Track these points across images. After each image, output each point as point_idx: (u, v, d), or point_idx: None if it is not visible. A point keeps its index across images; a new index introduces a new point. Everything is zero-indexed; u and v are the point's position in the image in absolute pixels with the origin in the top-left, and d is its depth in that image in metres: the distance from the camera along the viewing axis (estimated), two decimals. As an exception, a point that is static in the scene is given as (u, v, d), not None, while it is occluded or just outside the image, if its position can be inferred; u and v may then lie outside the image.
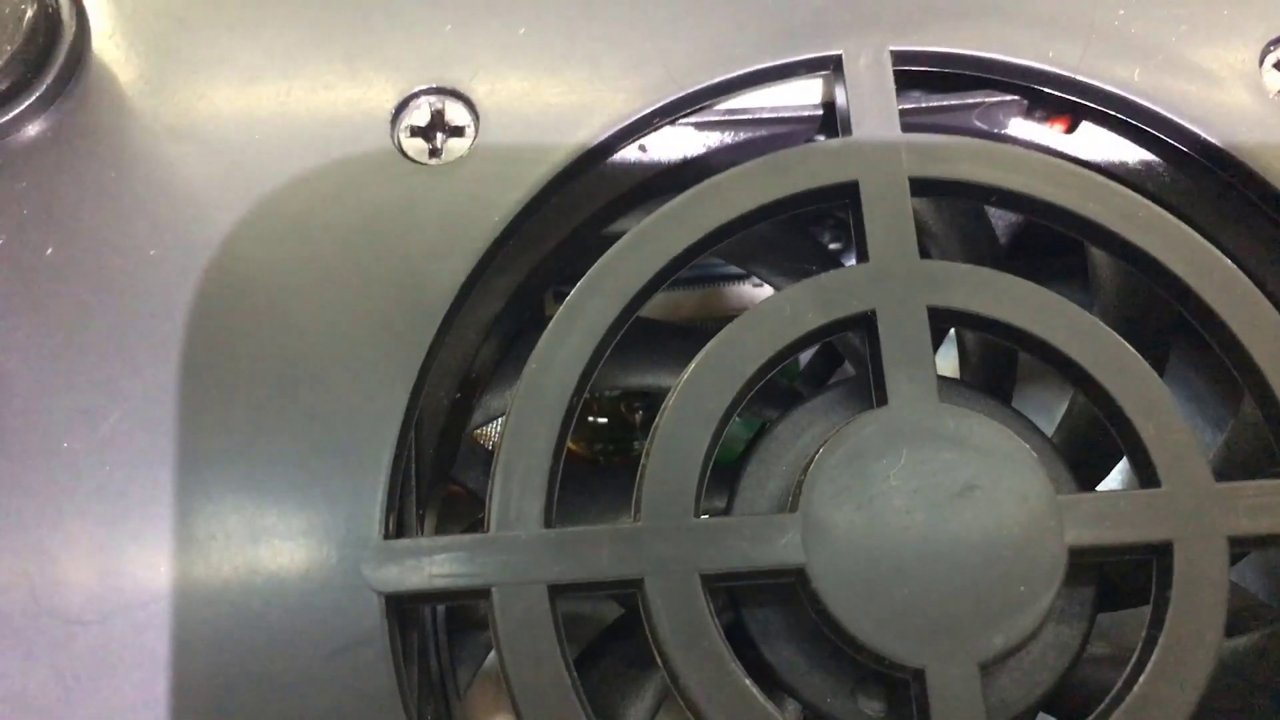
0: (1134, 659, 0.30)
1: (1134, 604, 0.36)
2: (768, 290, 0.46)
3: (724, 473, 0.34)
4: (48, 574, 0.29)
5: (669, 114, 0.35)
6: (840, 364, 0.48)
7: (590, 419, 0.50)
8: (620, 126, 0.34)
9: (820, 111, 0.37)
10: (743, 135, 0.37)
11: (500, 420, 0.39)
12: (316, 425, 0.31)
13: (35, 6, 0.32)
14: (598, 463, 0.50)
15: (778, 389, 0.41)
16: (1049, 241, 0.40)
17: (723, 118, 0.36)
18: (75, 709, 0.28)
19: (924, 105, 0.36)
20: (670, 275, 0.33)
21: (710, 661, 0.29)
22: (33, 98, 0.33)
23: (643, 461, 0.31)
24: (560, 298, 0.33)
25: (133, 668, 0.29)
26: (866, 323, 0.32)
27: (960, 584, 0.29)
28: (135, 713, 0.28)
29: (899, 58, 0.35)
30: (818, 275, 0.32)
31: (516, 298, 0.37)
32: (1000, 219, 0.42)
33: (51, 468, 0.30)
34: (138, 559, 0.29)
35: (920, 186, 0.33)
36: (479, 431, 0.44)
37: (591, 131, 0.34)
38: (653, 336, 0.39)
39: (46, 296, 0.32)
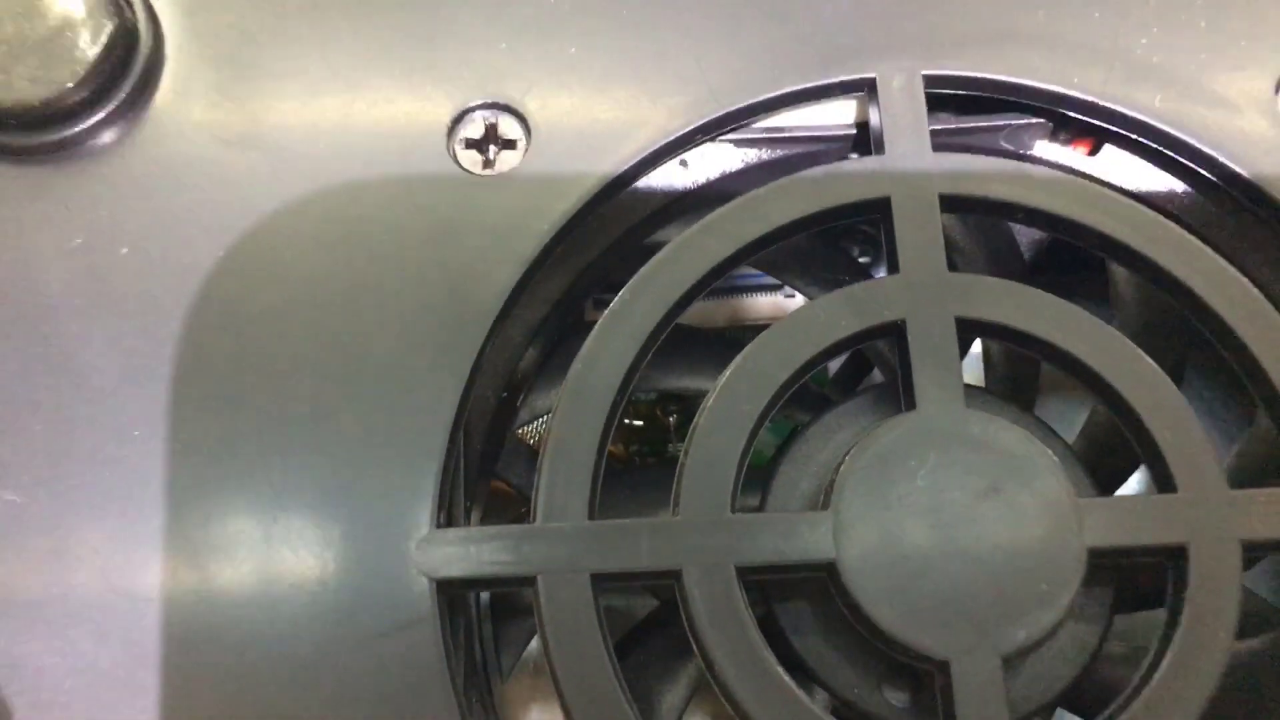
0: (1149, 657, 0.31)
1: (1150, 607, 0.38)
2: (800, 300, 0.48)
3: (756, 474, 0.36)
4: (118, 553, 0.31)
5: (710, 131, 0.36)
6: (869, 372, 0.49)
7: (627, 421, 0.51)
8: (663, 142, 0.36)
9: (854, 131, 0.38)
10: (780, 152, 0.38)
11: (544, 419, 0.40)
12: (373, 420, 0.32)
13: (115, 21, 0.34)
14: (634, 463, 0.52)
15: (809, 394, 0.43)
16: (1071, 258, 0.41)
17: (761, 135, 0.38)
18: (145, 684, 0.30)
19: (953, 126, 0.38)
20: (710, 283, 0.34)
21: (744, 649, 0.30)
22: (110, 106, 0.34)
23: (681, 459, 0.32)
24: (600, 305, 0.34)
25: (199, 644, 0.30)
26: (896, 331, 0.33)
27: (984, 581, 0.30)
28: (202, 688, 0.30)
29: (930, 81, 0.36)
30: (850, 286, 0.34)
31: (560, 304, 0.38)
32: (1025, 236, 0.43)
33: (125, 454, 0.32)
34: (206, 540, 0.31)
35: (949, 203, 0.35)
36: (523, 430, 0.46)
37: (637, 146, 0.35)
38: (692, 342, 0.41)
39: (122, 293, 0.33)
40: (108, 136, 0.35)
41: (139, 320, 0.33)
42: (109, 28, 0.34)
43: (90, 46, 0.34)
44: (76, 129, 0.34)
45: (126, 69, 0.35)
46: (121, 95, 0.35)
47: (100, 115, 0.34)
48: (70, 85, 0.33)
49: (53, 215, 0.34)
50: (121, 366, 0.33)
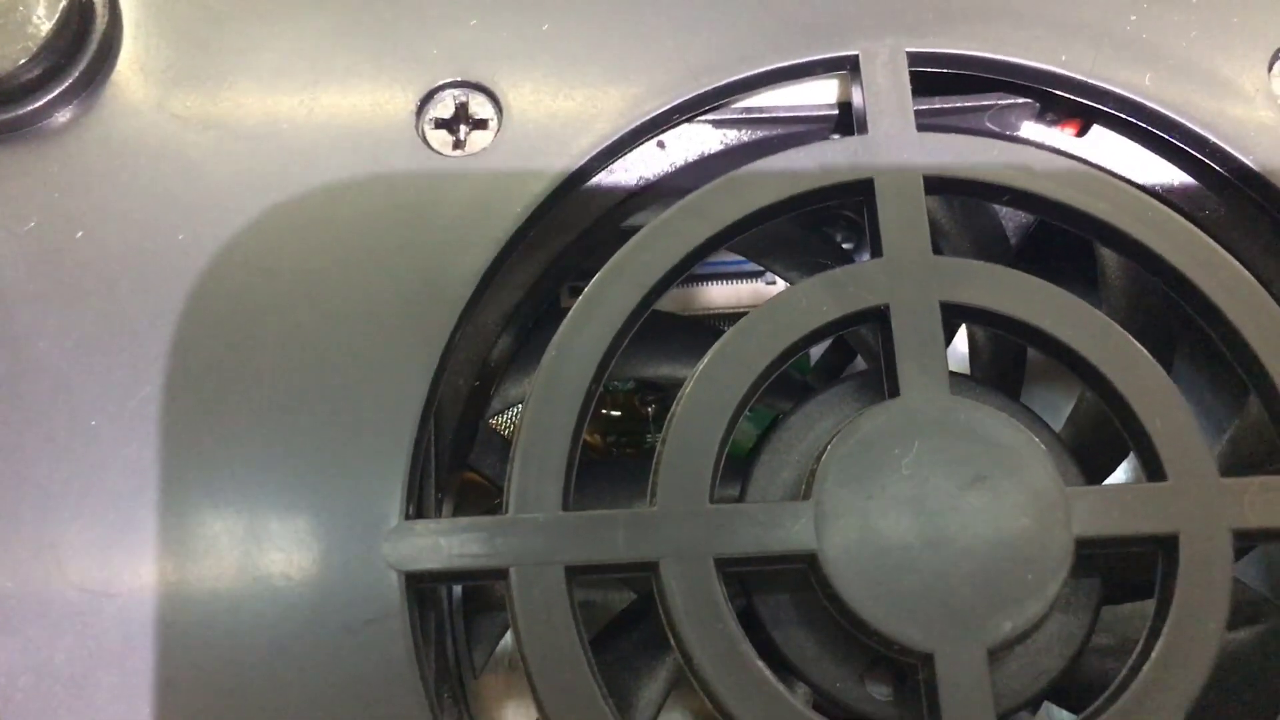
0: (1139, 648, 0.30)
1: (1137, 598, 0.37)
2: (782, 286, 0.47)
3: (736, 464, 0.35)
4: (74, 548, 0.30)
5: (688, 111, 0.35)
6: (852, 359, 0.48)
7: (604, 411, 0.50)
8: (640, 122, 0.35)
9: (836, 111, 0.37)
10: (760, 133, 0.38)
11: (518, 408, 0.40)
12: (340, 409, 0.31)
13: (69, -5, 0.33)
14: (611, 454, 0.51)
15: (791, 382, 0.42)
16: (1059, 243, 0.40)
17: (741, 116, 0.37)
18: (99, 679, 0.29)
19: (938, 106, 0.37)
20: (688, 268, 0.33)
21: (723, 643, 0.29)
22: (64, 84, 0.33)
23: (659, 448, 0.31)
24: (575, 293, 0.33)
25: (155, 639, 0.29)
26: (880, 316, 0.32)
27: (969, 571, 0.29)
28: (157, 684, 0.29)
29: (914, 59, 0.35)
30: (832, 270, 0.33)
31: (534, 290, 0.37)
32: (1011, 220, 0.43)
33: (80, 444, 0.31)
34: (163, 533, 0.30)
35: (934, 185, 0.34)
36: (496, 419, 0.45)
37: (612, 127, 0.34)
38: (669, 329, 0.40)
39: (76, 278, 0.32)
40: (62, 115, 0.34)
41: (95, 307, 0.32)
42: (63, 2, 0.33)
43: (44, 21, 0.33)
44: (29, 108, 0.33)
45: (81, 45, 0.34)
46: (76, 73, 0.34)
47: (54, 93, 0.33)
48: (22, 62, 0.32)
49: (4, 197, 0.33)
50: (77, 354, 0.32)
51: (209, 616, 0.29)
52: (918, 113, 0.35)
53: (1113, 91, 0.35)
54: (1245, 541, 0.31)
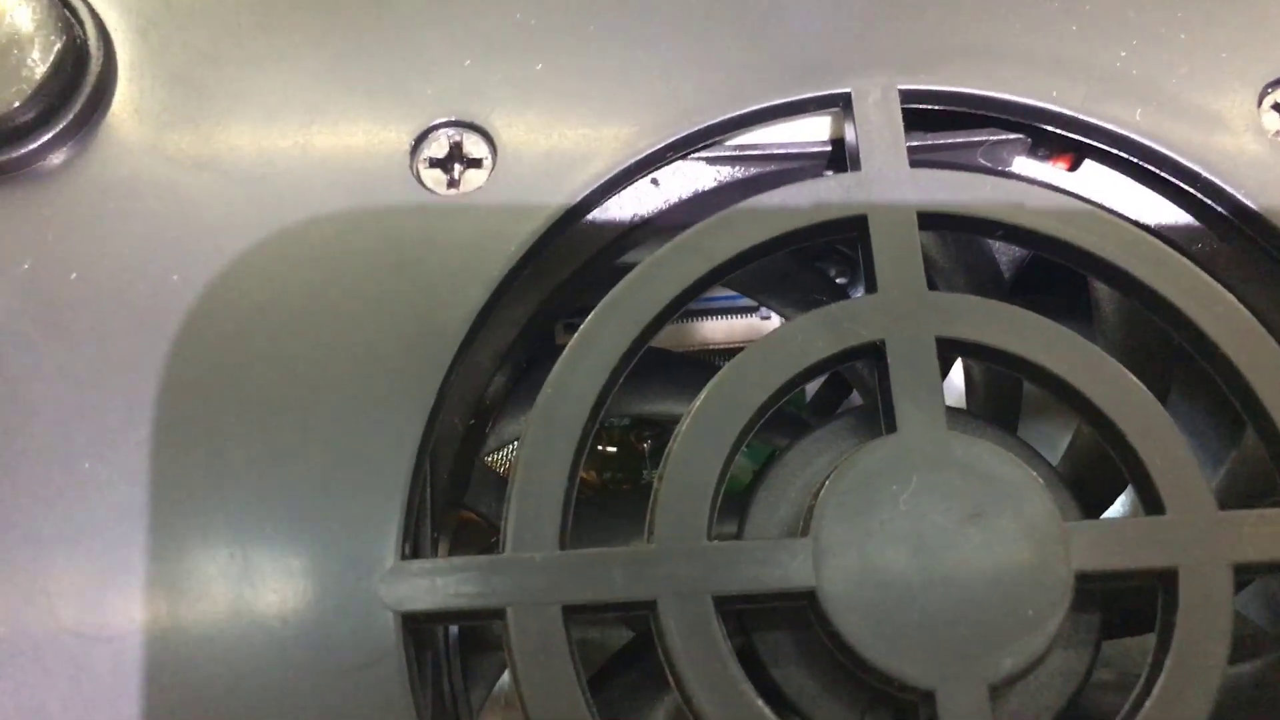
0: (1140, 683, 0.30)
1: (1137, 633, 0.37)
2: (777, 321, 0.47)
3: (733, 501, 0.35)
4: (68, 592, 0.30)
5: (681, 148, 0.35)
6: (847, 395, 0.48)
7: (600, 448, 0.50)
8: (634, 160, 0.35)
9: (829, 148, 0.37)
10: (753, 170, 0.38)
11: (513, 446, 0.39)
12: (335, 449, 0.31)
13: (64, 38, 0.33)
14: (608, 491, 0.51)
15: (787, 418, 0.42)
16: (1053, 278, 0.41)
17: (734, 153, 0.37)
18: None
19: (930, 143, 0.37)
20: (683, 304, 0.33)
21: (722, 681, 0.29)
22: (59, 126, 0.33)
23: (656, 485, 0.31)
24: (570, 329, 0.33)
25: (149, 683, 0.29)
26: (875, 352, 0.32)
27: (969, 607, 0.29)
28: (154, 729, 0.29)
29: (907, 96, 0.35)
30: (827, 305, 0.33)
31: (529, 327, 0.37)
32: (1004, 254, 0.43)
33: (73, 488, 0.31)
34: (157, 577, 0.30)
35: (928, 220, 0.34)
36: (491, 458, 0.45)
37: (606, 164, 0.34)
38: (665, 365, 0.40)
39: (71, 320, 0.32)
40: (57, 158, 0.34)
41: (90, 348, 0.32)
42: (58, 45, 0.33)
43: (38, 65, 0.33)
44: (24, 150, 0.33)
45: (76, 88, 0.34)
46: (71, 115, 0.33)
47: (49, 135, 0.33)
48: (17, 105, 0.32)
49: (-1, 239, 0.33)
50: (71, 396, 0.31)
51: (203, 659, 0.29)
52: (910, 149, 0.35)
53: (1103, 127, 0.36)
54: (1245, 574, 0.31)
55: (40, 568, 0.30)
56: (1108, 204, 0.37)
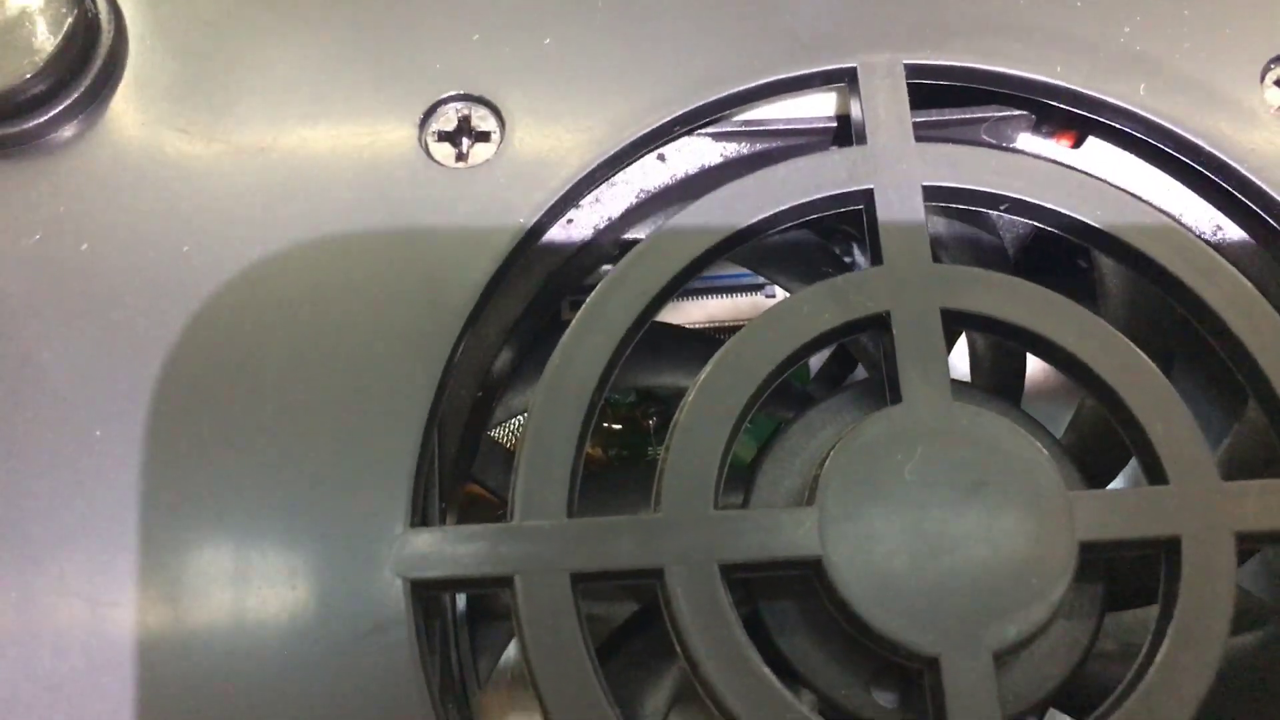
0: (1143, 652, 0.30)
1: (1140, 604, 0.37)
2: (782, 298, 0.47)
3: (739, 474, 0.35)
4: (77, 556, 0.30)
5: (688, 123, 0.36)
6: (852, 369, 0.48)
7: (605, 424, 0.50)
8: (640, 134, 0.35)
9: (835, 123, 0.38)
10: (760, 146, 0.38)
11: (520, 418, 0.40)
12: (345, 419, 0.31)
13: (75, 10, 0.33)
14: (613, 466, 0.51)
15: (792, 391, 0.42)
16: (1057, 253, 0.41)
17: (740, 128, 0.37)
18: (111, 691, 0.29)
19: (935, 119, 0.37)
20: (689, 278, 0.34)
21: (729, 649, 0.29)
22: (70, 99, 0.34)
23: (662, 455, 0.31)
24: (575, 306, 0.33)
25: (158, 645, 0.29)
26: (881, 324, 0.33)
27: (974, 576, 0.29)
28: (167, 697, 0.29)
29: (912, 71, 0.36)
30: (833, 278, 0.33)
31: (536, 302, 0.37)
32: (1008, 230, 0.43)
33: (84, 457, 0.31)
34: (172, 542, 0.30)
35: (933, 194, 0.34)
36: (497, 431, 0.45)
37: (612, 139, 0.35)
38: (671, 339, 0.40)
39: (81, 291, 0.32)
40: (68, 130, 0.34)
41: (100, 319, 0.32)
42: (69, 18, 0.33)
43: (49, 37, 0.33)
44: (35, 122, 0.33)
45: (87, 61, 0.34)
46: (82, 88, 0.34)
47: (60, 108, 0.34)
48: (29, 77, 0.33)
49: (10, 211, 0.33)
50: (82, 366, 0.32)
51: (211, 626, 0.29)
52: (915, 124, 0.35)
53: (1107, 101, 0.36)
54: (1247, 544, 0.31)
55: (49, 534, 0.30)
56: (1110, 180, 0.37)
